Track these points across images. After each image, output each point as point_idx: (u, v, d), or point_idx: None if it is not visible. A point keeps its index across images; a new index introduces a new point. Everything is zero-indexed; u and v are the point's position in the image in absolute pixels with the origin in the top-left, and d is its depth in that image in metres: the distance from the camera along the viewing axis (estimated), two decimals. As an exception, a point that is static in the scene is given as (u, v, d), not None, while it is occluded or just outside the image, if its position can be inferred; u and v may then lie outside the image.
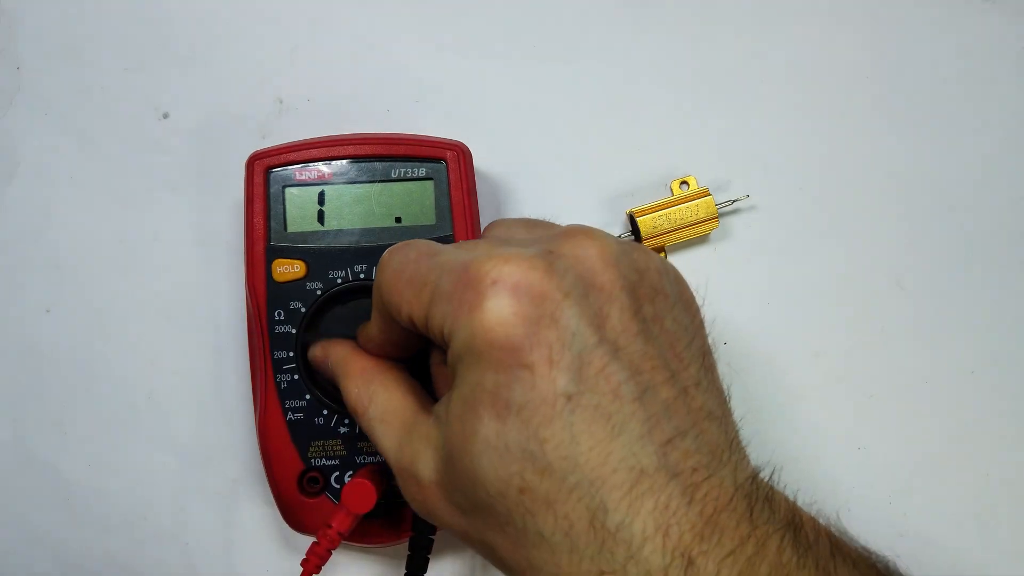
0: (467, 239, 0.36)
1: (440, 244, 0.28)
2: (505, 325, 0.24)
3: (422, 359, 0.31)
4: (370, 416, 0.30)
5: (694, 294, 0.29)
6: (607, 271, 0.25)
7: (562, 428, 0.24)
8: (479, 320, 0.24)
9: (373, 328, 0.31)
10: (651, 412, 0.24)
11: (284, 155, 0.36)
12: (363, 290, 0.35)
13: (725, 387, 0.28)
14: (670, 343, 0.26)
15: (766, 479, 0.26)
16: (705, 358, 0.27)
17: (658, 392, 0.25)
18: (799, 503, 0.27)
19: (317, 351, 0.34)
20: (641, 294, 0.26)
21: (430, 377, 0.31)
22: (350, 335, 0.34)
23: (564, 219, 0.40)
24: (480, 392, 0.24)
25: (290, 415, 0.35)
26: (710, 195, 0.39)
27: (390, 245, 0.35)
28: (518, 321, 0.24)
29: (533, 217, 0.32)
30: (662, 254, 0.40)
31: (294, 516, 0.35)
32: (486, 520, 0.25)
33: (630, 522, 0.23)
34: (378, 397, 0.30)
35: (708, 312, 0.39)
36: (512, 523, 0.24)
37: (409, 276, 0.27)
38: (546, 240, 0.27)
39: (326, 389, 0.35)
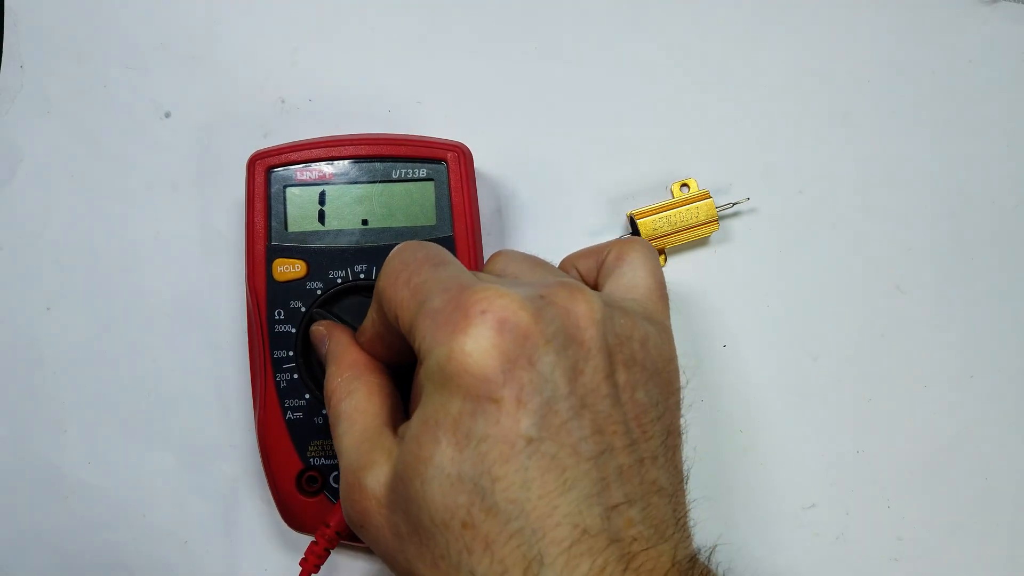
0: (468, 241, 0.36)
1: (449, 256, 0.29)
2: (483, 355, 0.24)
3: (410, 375, 0.31)
4: (340, 409, 0.30)
5: (679, 374, 0.29)
6: (590, 329, 0.26)
7: (516, 470, 0.24)
8: (459, 344, 0.24)
9: (367, 319, 0.31)
10: (604, 474, 0.24)
11: (285, 155, 0.36)
12: (363, 290, 0.35)
13: (685, 469, 0.28)
14: (636, 413, 0.26)
15: (704, 561, 0.27)
16: (669, 436, 0.27)
17: (615, 456, 0.25)
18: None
19: (320, 328, 0.34)
20: (618, 359, 0.26)
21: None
22: None
23: (565, 221, 0.40)
24: (443, 416, 0.25)
25: (289, 414, 0.35)
26: (710, 198, 0.39)
27: (391, 245, 0.35)
28: (497, 355, 0.24)
29: (537, 256, 0.33)
30: (662, 257, 0.40)
31: (293, 515, 0.35)
32: (421, 549, 0.25)
33: None
34: (356, 394, 0.30)
35: (709, 312, 0.40)
36: (447, 558, 0.24)
37: (407, 279, 0.27)
38: (542, 286, 0.27)
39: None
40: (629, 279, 0.31)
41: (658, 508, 0.25)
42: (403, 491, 0.25)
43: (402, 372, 0.32)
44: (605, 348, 0.26)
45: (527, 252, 0.33)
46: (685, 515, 0.27)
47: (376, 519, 0.27)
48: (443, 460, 0.24)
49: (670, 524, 0.26)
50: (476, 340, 0.24)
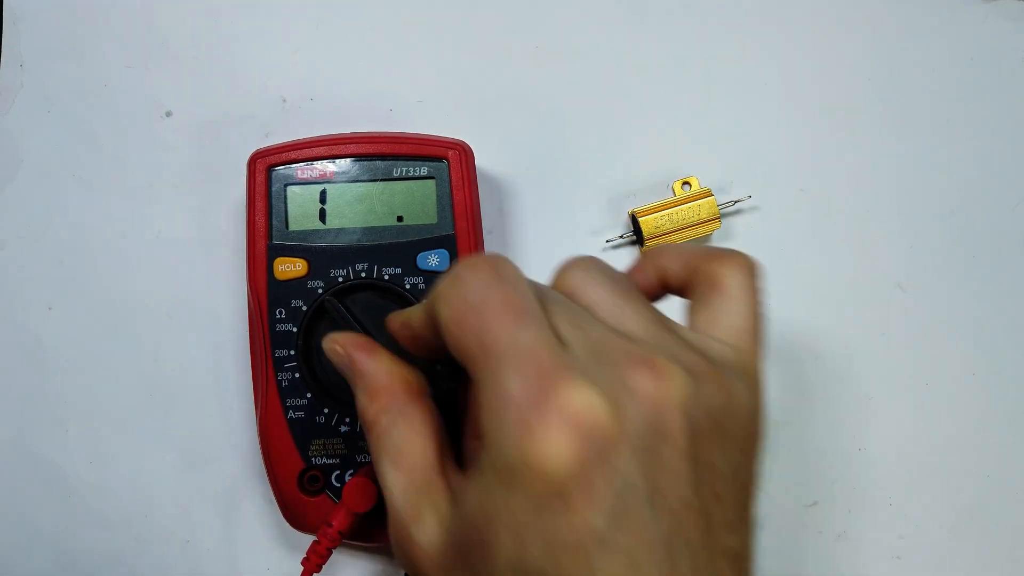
0: (469, 239, 0.35)
1: (528, 302, 0.24)
2: (556, 460, 0.22)
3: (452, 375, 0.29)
4: (382, 445, 0.28)
5: (763, 425, 0.27)
6: (676, 417, 0.24)
7: (584, 567, 0.22)
8: (532, 447, 0.22)
9: (414, 316, 0.28)
10: (673, 554, 0.23)
11: (286, 153, 0.36)
12: (363, 288, 0.35)
13: (758, 516, 0.27)
14: (714, 483, 0.25)
15: None
16: (745, 494, 0.26)
17: (691, 543, 0.24)
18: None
19: (338, 348, 0.30)
20: (704, 436, 0.24)
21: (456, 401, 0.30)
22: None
23: (567, 219, 0.40)
24: (504, 510, 0.23)
25: (291, 413, 0.35)
26: (712, 196, 0.39)
27: (391, 244, 0.35)
28: (571, 459, 0.22)
29: (618, 275, 0.28)
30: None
31: (295, 515, 0.35)
32: None
33: None
34: (396, 430, 0.28)
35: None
36: None
37: (478, 328, 0.24)
38: (625, 363, 0.24)
39: (327, 388, 0.35)
40: (725, 317, 0.28)
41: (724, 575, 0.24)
42: (461, 565, 0.25)
43: (441, 378, 0.30)
44: (692, 431, 0.24)
45: (602, 267, 0.28)
46: (751, 565, 0.26)
47: (429, 571, 0.26)
48: (505, 552, 0.23)
49: None
50: (551, 446, 0.22)
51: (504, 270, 0.25)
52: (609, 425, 0.23)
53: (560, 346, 0.24)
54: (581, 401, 0.23)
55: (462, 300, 0.25)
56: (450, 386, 0.30)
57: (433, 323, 0.26)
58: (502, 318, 0.24)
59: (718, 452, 0.25)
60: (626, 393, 0.23)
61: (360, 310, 0.35)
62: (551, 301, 0.25)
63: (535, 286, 0.26)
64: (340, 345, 0.30)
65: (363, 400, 0.29)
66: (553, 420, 0.22)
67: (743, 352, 0.27)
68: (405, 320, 0.29)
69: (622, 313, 0.26)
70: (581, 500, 0.22)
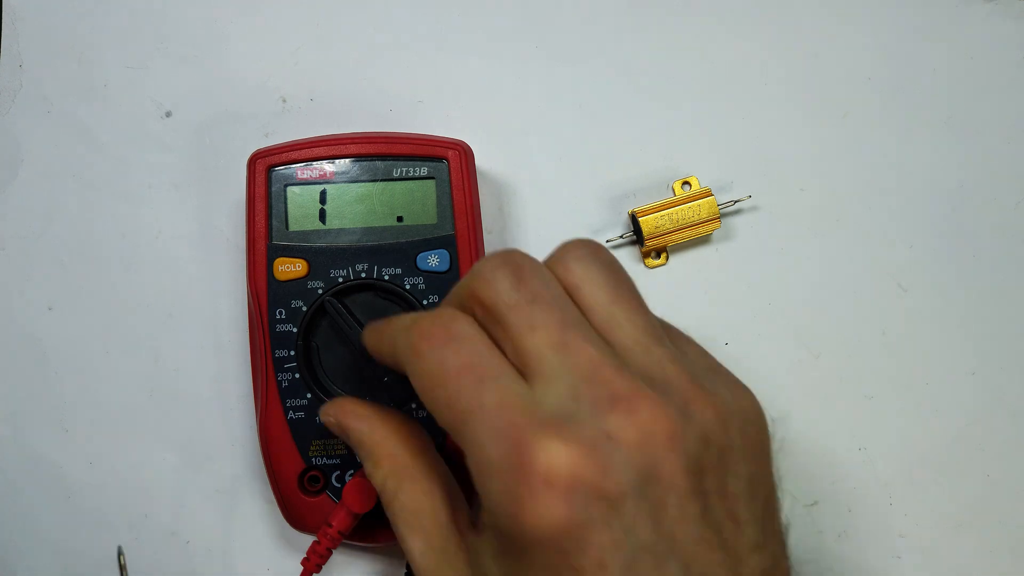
0: (469, 239, 0.35)
1: (485, 351, 0.24)
2: (554, 529, 0.22)
3: None
4: (395, 509, 0.28)
5: (766, 423, 0.26)
6: (670, 457, 0.23)
7: None
8: (523, 518, 0.22)
9: (387, 357, 0.28)
10: None
11: (286, 154, 0.36)
12: (363, 288, 0.35)
13: (784, 523, 0.26)
14: (729, 510, 0.24)
15: None
16: (766, 508, 0.25)
17: (711, 567, 0.23)
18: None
19: (331, 420, 0.31)
20: (705, 465, 0.23)
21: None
22: None
23: (567, 219, 0.40)
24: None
25: (291, 414, 0.35)
26: (712, 195, 0.39)
27: (391, 244, 0.35)
28: (570, 526, 0.22)
29: (618, 271, 0.27)
30: (664, 256, 0.40)
31: (295, 515, 0.35)
32: None
33: None
34: (404, 494, 0.28)
35: (711, 310, 0.40)
36: None
37: (446, 399, 0.24)
38: (607, 408, 0.23)
39: (327, 388, 0.35)
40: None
41: None
42: None
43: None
44: (690, 466, 0.23)
45: (604, 260, 0.27)
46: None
47: None
48: None
49: None
50: (544, 515, 0.22)
51: (456, 328, 0.25)
52: (597, 479, 0.22)
53: (530, 398, 0.23)
54: (561, 460, 0.22)
55: (426, 368, 0.24)
56: None
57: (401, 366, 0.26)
58: (463, 383, 0.23)
59: (727, 475, 0.24)
60: (609, 442, 0.22)
61: (360, 310, 0.35)
62: (542, 306, 0.25)
63: (529, 278, 0.25)
64: (332, 415, 0.30)
65: (368, 467, 0.29)
66: (537, 486, 0.22)
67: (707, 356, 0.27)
68: (375, 351, 0.29)
69: (615, 321, 0.25)
70: (592, 568, 0.22)
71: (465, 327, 0.25)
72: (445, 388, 0.24)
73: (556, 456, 0.22)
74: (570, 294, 0.26)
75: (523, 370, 0.24)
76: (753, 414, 0.26)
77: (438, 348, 0.24)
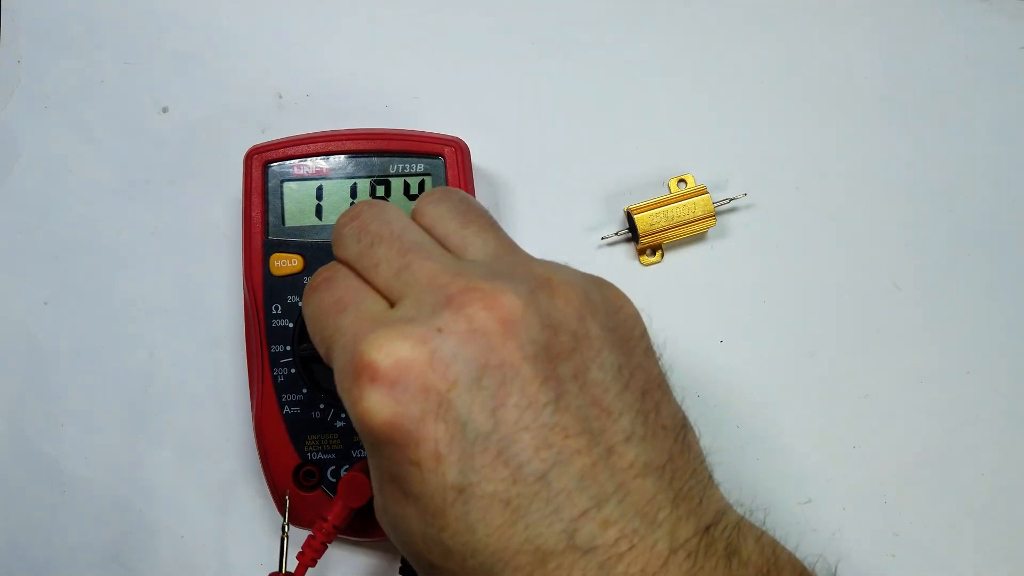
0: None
1: (351, 283, 0.26)
2: (387, 426, 0.23)
3: None
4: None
5: (637, 316, 0.26)
6: (506, 344, 0.23)
7: (456, 519, 0.23)
8: (364, 419, 0.23)
9: None
10: (559, 487, 0.22)
11: (282, 149, 0.36)
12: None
13: (691, 422, 0.26)
14: (594, 398, 0.23)
15: (733, 525, 0.24)
16: (645, 398, 0.25)
17: (571, 463, 0.23)
18: (793, 546, 0.25)
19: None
20: (556, 352, 0.23)
21: None
22: None
23: (563, 216, 0.40)
24: (380, 476, 0.25)
25: (287, 409, 0.35)
26: (707, 193, 0.39)
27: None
28: (400, 422, 0.22)
29: (473, 207, 0.28)
30: (659, 253, 0.40)
31: (290, 509, 0.35)
32: None
33: None
34: None
35: (706, 308, 0.40)
36: None
37: (319, 331, 0.26)
38: (443, 303, 0.24)
39: (323, 383, 0.35)
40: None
41: (641, 492, 0.23)
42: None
43: None
44: (534, 353, 0.23)
45: (456, 197, 0.29)
46: (689, 480, 0.24)
47: None
48: (396, 514, 0.24)
49: (663, 504, 0.23)
50: (375, 413, 0.23)
51: (330, 272, 0.27)
52: (424, 373, 0.22)
53: (381, 311, 0.25)
54: (384, 357, 0.23)
55: (308, 316, 0.27)
56: None
57: None
58: (330, 313, 0.26)
59: (590, 360, 0.24)
60: (441, 337, 0.23)
61: None
62: (383, 243, 0.26)
63: (369, 223, 0.27)
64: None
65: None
66: (364, 384, 0.23)
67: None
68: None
69: (467, 242, 0.27)
70: (428, 459, 0.22)
71: (338, 271, 0.27)
72: (318, 321, 0.26)
73: (380, 353, 0.23)
74: (430, 233, 0.27)
75: (389, 302, 0.26)
76: (618, 304, 0.26)
77: (317, 292, 0.27)
